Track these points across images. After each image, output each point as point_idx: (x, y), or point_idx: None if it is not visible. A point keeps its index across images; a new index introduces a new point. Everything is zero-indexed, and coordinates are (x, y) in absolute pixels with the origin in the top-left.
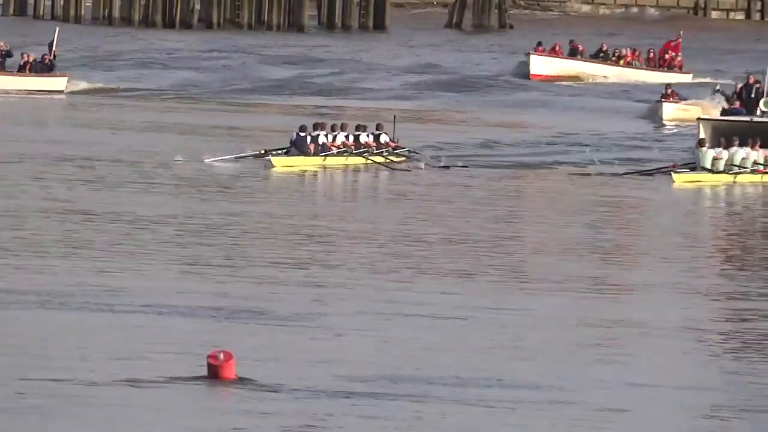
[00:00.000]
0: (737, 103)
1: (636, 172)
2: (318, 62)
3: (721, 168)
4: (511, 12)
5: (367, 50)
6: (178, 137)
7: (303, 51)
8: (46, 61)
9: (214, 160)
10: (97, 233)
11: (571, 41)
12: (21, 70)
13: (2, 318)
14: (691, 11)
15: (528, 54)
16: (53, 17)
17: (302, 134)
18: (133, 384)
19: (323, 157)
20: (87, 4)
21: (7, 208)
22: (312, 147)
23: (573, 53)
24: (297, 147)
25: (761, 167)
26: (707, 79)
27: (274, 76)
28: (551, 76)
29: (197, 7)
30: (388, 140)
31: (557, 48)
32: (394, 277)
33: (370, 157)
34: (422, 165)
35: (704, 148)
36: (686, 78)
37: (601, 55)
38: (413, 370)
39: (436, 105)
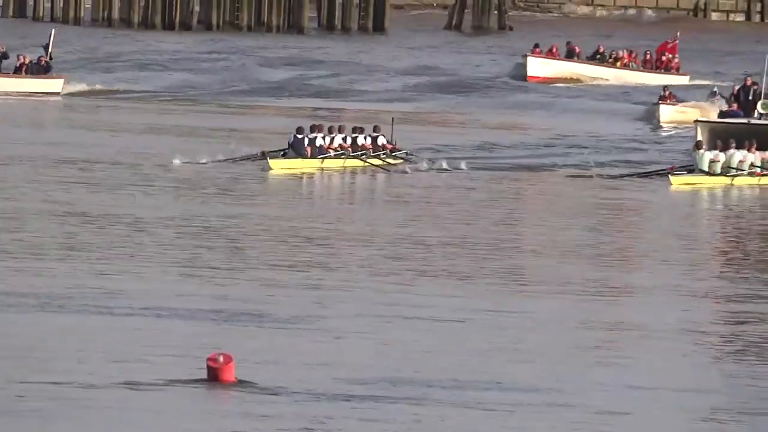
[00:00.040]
0: (735, 105)
1: (633, 175)
2: (317, 64)
3: (718, 170)
4: (510, 14)
5: (366, 52)
6: (176, 139)
7: (302, 53)
8: (43, 62)
9: (211, 162)
10: (95, 235)
11: (568, 43)
12: (17, 71)
13: (1, 321)
14: (691, 13)
15: (525, 56)
16: (53, 19)
17: (299, 136)
18: (132, 387)
19: (321, 160)
20: (86, 6)
21: (6, 210)
22: (309, 149)
23: (570, 55)
24: (294, 149)
25: (758, 170)
26: (704, 81)
27: (273, 77)
28: (548, 78)
29: (197, 8)
30: (385, 142)
31: (554, 50)
32: (394, 280)
33: (368, 160)
34: (421, 166)
35: (701, 151)
36: (683, 80)
37: (598, 56)
38: (413, 373)
39: (434, 107)
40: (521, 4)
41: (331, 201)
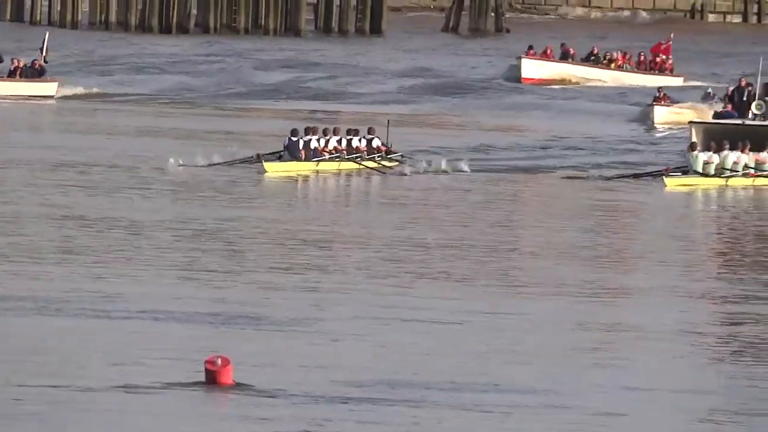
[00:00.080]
0: (729, 106)
1: (627, 176)
2: (314, 66)
3: (712, 172)
4: (507, 16)
5: (363, 54)
6: (172, 142)
7: (299, 55)
8: (37, 66)
9: (208, 165)
10: (93, 239)
11: (562, 44)
12: (11, 75)
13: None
14: (688, 14)
15: (519, 57)
16: (50, 22)
17: (294, 139)
18: (130, 390)
19: (316, 162)
20: (83, 9)
21: (3, 214)
22: (303, 152)
23: (564, 57)
24: (289, 152)
25: (752, 171)
26: (699, 82)
27: (270, 80)
28: (543, 80)
29: (194, 11)
30: (380, 144)
31: (548, 51)
32: (391, 282)
33: (363, 162)
34: (420, 168)
35: (695, 152)
36: (677, 81)
37: (592, 58)
38: (410, 375)
39: (430, 109)
40: (518, 7)
41: (328, 203)
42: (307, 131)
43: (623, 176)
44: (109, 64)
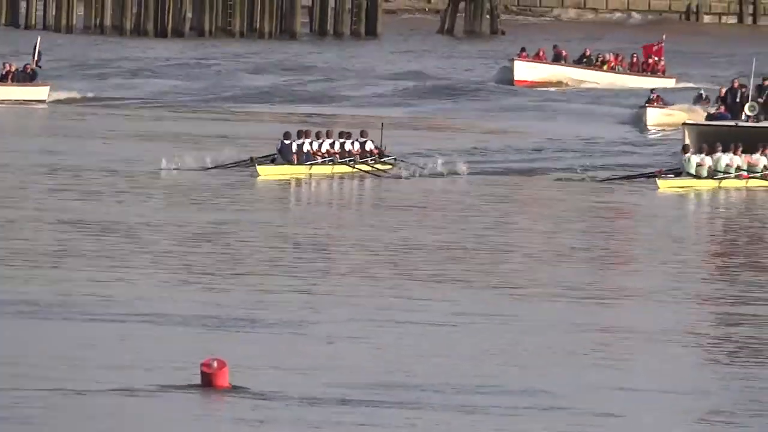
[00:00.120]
0: (722, 108)
1: (620, 178)
2: (309, 69)
3: (705, 174)
4: (502, 18)
5: (358, 57)
6: (165, 145)
7: (294, 58)
8: (29, 70)
9: (201, 169)
10: (87, 242)
11: (554, 46)
12: (3, 79)
13: None
14: (683, 16)
15: (512, 60)
16: (45, 27)
17: (287, 142)
18: (126, 393)
19: (309, 166)
20: (79, 14)
21: None
22: (296, 155)
23: (557, 59)
24: (282, 155)
25: (744, 172)
26: (691, 84)
27: (265, 83)
28: (535, 82)
29: (189, 15)
30: (372, 147)
31: (541, 54)
32: (387, 285)
33: (356, 165)
34: (416, 171)
35: (688, 154)
36: (669, 83)
37: (585, 60)
38: (406, 377)
39: (426, 112)
40: (513, 9)
41: (322, 206)
42: (299, 134)
43: (615, 178)
44: (103, 68)
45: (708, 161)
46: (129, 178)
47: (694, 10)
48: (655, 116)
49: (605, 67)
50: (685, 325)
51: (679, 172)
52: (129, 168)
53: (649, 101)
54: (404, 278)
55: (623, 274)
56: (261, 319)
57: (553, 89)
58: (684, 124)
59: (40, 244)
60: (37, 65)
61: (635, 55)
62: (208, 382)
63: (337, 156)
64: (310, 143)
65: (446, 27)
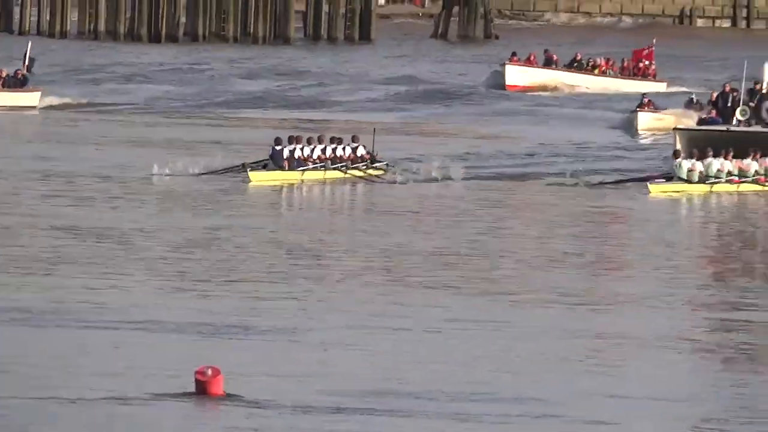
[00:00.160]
0: (713, 112)
1: (611, 183)
2: (302, 74)
3: (696, 179)
4: (496, 22)
5: (352, 62)
6: (158, 151)
7: (288, 63)
8: (19, 76)
9: (194, 174)
10: (80, 249)
11: (545, 51)
12: None
13: None
14: (677, 19)
15: (503, 64)
16: (39, 32)
17: (278, 148)
18: (120, 401)
19: (301, 172)
20: (72, 19)
21: None
22: (287, 161)
23: (548, 63)
24: (273, 161)
25: (735, 177)
26: (682, 88)
27: (258, 88)
28: (526, 87)
29: (183, 20)
30: (364, 153)
31: (532, 58)
32: (381, 291)
33: (348, 171)
34: (410, 177)
35: (679, 159)
36: (661, 87)
37: (576, 64)
38: (400, 384)
39: (419, 117)
40: (507, 13)
41: (314, 212)
42: (290, 140)
43: (607, 183)
44: (96, 73)
45: (699, 166)
46: (122, 184)
47: (688, 13)
48: (646, 121)
49: (596, 72)
50: (679, 331)
51: (670, 177)
52: (122, 174)
53: (641, 105)
54: (398, 284)
55: (616, 280)
56: (255, 326)
57: (545, 94)
58: (675, 129)
59: (32, 251)
60: (28, 71)
61: (626, 59)
62: (202, 389)
63: (329, 161)
64: (302, 149)
65: (440, 31)
